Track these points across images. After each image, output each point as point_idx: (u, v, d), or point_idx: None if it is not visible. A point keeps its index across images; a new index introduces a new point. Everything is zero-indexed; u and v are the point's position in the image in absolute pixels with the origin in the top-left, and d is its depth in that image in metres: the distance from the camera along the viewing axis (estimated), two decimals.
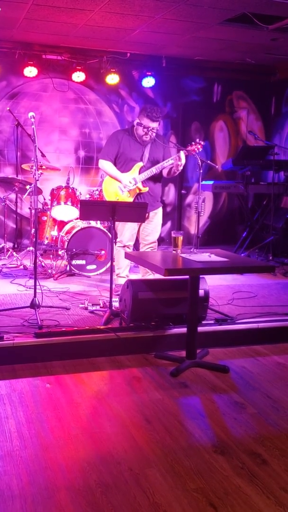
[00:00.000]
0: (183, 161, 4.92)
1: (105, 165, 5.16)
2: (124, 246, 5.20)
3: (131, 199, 5.10)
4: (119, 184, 5.10)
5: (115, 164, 5.16)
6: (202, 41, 6.71)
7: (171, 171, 5.10)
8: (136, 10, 5.47)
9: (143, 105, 5.37)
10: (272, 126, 8.71)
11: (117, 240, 5.27)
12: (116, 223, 5.13)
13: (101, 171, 6.00)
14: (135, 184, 5.05)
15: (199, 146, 4.98)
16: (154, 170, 5.05)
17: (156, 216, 5.26)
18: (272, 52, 7.17)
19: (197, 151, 4.98)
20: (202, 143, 5.05)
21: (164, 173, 5.19)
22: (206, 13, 5.49)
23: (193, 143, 5.02)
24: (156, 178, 5.18)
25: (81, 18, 5.82)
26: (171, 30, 6.25)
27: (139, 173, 5.09)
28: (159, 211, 5.30)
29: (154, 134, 5.07)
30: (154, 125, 5.02)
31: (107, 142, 5.33)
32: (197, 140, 5.05)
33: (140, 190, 5.08)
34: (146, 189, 5.11)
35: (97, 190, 6.55)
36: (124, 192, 5.08)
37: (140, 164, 5.09)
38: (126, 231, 5.19)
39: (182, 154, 4.90)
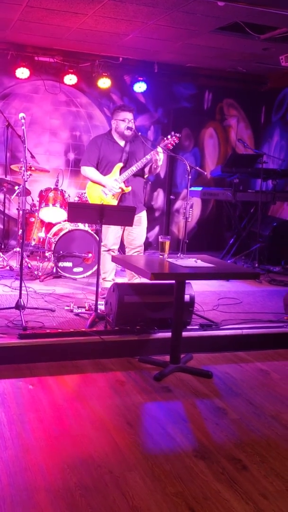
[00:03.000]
0: (161, 156, 4.96)
1: (88, 171, 5.19)
2: (108, 250, 5.20)
3: (115, 201, 5.11)
4: (102, 188, 5.12)
5: (97, 169, 5.18)
6: (195, 48, 6.76)
7: (151, 168, 5.13)
8: (129, 15, 5.50)
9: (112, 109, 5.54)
10: (262, 134, 8.79)
11: (102, 244, 5.28)
12: None
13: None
14: (119, 186, 5.06)
15: (175, 139, 4.98)
16: (134, 168, 5.06)
17: (141, 219, 5.24)
18: (263, 62, 7.24)
19: (174, 144, 4.98)
20: (178, 135, 5.02)
21: (146, 170, 5.21)
22: (199, 20, 5.53)
23: (168, 136, 5.01)
24: (137, 179, 5.20)
25: (75, 21, 5.83)
26: (164, 37, 6.29)
27: (120, 174, 5.11)
28: (143, 214, 5.29)
29: (133, 126, 5.11)
30: (130, 115, 5.10)
31: (87, 148, 5.36)
32: (173, 133, 5.01)
33: (123, 190, 5.10)
34: (129, 188, 5.12)
35: (85, 192, 6.54)
36: (108, 195, 5.09)
37: (120, 164, 5.11)
38: (110, 234, 5.19)
39: (160, 148, 4.93)
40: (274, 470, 2.67)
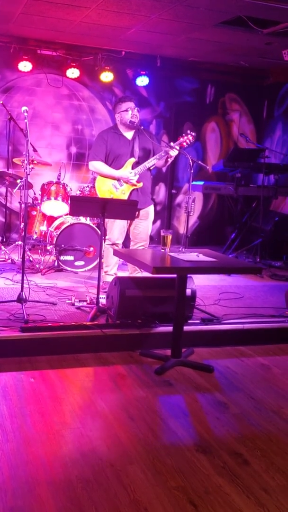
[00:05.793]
0: (175, 153, 4.98)
1: (98, 165, 5.14)
2: (113, 244, 5.19)
3: (125, 196, 5.09)
4: (113, 182, 5.09)
5: (106, 163, 5.16)
6: (197, 43, 6.73)
7: (166, 161, 5.14)
8: (132, 9, 5.47)
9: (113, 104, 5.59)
10: (264, 129, 8.76)
11: (106, 237, 5.27)
12: (106, 220, 5.12)
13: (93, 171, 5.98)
14: (134, 176, 5.04)
15: (190, 138, 4.98)
16: (147, 165, 5.06)
17: (148, 214, 5.24)
18: (266, 56, 7.21)
19: (189, 143, 4.98)
20: (194, 134, 5.04)
21: (159, 164, 5.20)
22: (202, 14, 5.50)
23: (183, 134, 5.02)
24: (145, 173, 5.17)
25: (78, 14, 5.81)
26: (166, 30, 6.26)
27: (132, 168, 5.09)
28: (151, 209, 5.28)
29: (138, 115, 5.11)
30: (132, 104, 5.11)
31: (94, 143, 5.32)
32: (188, 131, 5.03)
33: (135, 185, 5.09)
34: (141, 184, 5.11)
35: (87, 186, 6.55)
36: (118, 189, 5.07)
37: (133, 160, 5.09)
38: (115, 229, 5.18)
39: (177, 146, 4.94)
40: (275, 465, 2.68)
